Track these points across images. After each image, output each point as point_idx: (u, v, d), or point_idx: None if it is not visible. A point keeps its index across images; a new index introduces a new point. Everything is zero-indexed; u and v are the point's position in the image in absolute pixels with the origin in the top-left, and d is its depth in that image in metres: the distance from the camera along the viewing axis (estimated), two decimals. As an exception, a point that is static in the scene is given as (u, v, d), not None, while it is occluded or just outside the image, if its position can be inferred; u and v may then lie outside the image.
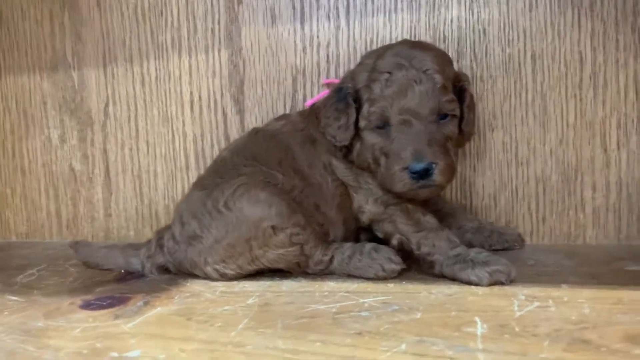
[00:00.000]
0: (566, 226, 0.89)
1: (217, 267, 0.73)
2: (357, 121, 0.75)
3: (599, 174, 0.87)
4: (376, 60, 0.73)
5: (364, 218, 0.77)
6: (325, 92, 0.89)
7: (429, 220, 0.73)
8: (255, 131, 0.83)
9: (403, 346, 0.52)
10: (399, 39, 0.91)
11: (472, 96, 0.77)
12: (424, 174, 0.69)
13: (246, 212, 0.71)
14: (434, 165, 0.69)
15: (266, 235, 0.71)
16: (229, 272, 0.74)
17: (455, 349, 0.51)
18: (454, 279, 0.70)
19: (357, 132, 0.75)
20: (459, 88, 0.75)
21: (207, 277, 0.75)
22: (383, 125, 0.72)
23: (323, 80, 0.93)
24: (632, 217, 0.87)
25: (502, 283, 0.67)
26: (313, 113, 0.81)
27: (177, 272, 0.78)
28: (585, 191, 0.88)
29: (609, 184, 0.87)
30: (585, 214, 0.88)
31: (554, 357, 0.48)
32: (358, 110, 0.74)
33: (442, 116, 0.72)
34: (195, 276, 0.76)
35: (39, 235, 1.10)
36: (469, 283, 0.68)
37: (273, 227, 0.71)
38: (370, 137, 0.74)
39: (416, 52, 0.72)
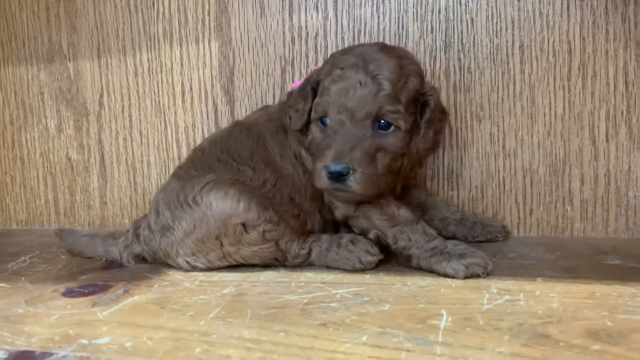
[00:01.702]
0: (554, 218, 0.88)
1: (188, 259, 0.74)
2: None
3: (587, 166, 0.86)
4: (341, 55, 0.73)
5: (338, 214, 0.76)
6: None
7: (404, 214, 0.73)
8: (235, 123, 0.83)
9: (364, 338, 0.53)
10: (387, 29, 0.91)
11: (436, 112, 0.73)
12: (338, 177, 0.67)
13: (214, 206, 0.71)
14: (350, 172, 0.66)
15: (237, 233, 0.72)
16: (199, 265, 0.75)
17: (415, 341, 0.51)
18: (431, 272, 0.70)
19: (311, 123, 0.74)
20: (422, 102, 0.72)
21: (179, 268, 0.76)
22: (326, 121, 0.71)
23: (315, 66, 0.93)
24: (620, 210, 0.86)
25: (478, 276, 0.68)
26: (287, 99, 0.81)
27: (152, 262, 0.79)
28: (573, 183, 0.87)
29: (597, 177, 0.86)
30: (573, 206, 0.88)
31: (511, 351, 0.49)
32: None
33: (383, 125, 0.69)
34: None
35: (37, 223, 1.12)
36: (445, 276, 0.68)
37: (244, 225, 0.71)
38: (315, 130, 0.73)
39: (379, 55, 0.70)
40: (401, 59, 0.72)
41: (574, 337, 0.51)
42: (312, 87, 0.74)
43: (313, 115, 0.73)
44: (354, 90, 0.68)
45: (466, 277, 0.67)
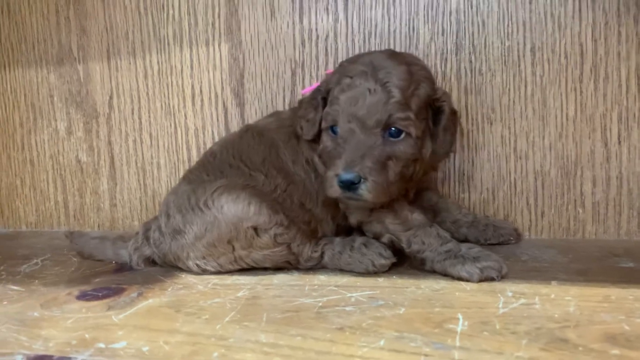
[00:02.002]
0: (565, 221, 0.88)
1: (198, 262, 0.75)
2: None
3: (599, 168, 0.86)
4: (349, 63, 0.73)
5: (352, 220, 0.76)
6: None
7: (417, 217, 0.73)
8: (246, 128, 0.83)
9: (382, 342, 0.52)
10: (398, 31, 0.90)
11: (451, 117, 0.73)
12: (350, 186, 0.67)
13: (225, 210, 0.71)
14: (362, 180, 0.66)
15: (248, 237, 0.72)
16: (210, 268, 0.75)
17: (433, 345, 0.51)
18: (445, 275, 0.70)
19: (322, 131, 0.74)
20: (436, 108, 0.72)
21: (189, 271, 0.76)
22: (336, 129, 0.71)
23: (327, 70, 0.93)
24: (633, 213, 0.86)
25: (493, 279, 0.67)
26: (299, 106, 0.80)
27: (162, 264, 0.79)
28: (584, 186, 0.87)
29: (609, 179, 0.86)
30: (584, 208, 0.87)
31: (529, 356, 0.49)
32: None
33: (394, 133, 0.69)
34: (189, 268, 0.78)
35: (47, 225, 1.12)
36: (459, 279, 0.68)
37: (255, 229, 0.71)
38: (325, 138, 0.73)
39: (388, 63, 0.70)
40: (410, 66, 0.71)
41: (592, 342, 0.50)
42: (323, 96, 0.74)
43: (323, 124, 0.73)
44: (363, 98, 0.68)
45: (480, 281, 0.67)
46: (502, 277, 0.68)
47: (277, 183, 0.76)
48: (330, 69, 0.93)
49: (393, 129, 0.69)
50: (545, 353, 0.49)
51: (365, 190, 0.67)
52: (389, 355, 0.50)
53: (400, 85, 0.69)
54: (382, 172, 0.68)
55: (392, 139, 0.69)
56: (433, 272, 0.71)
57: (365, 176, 0.66)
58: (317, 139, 0.75)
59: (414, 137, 0.70)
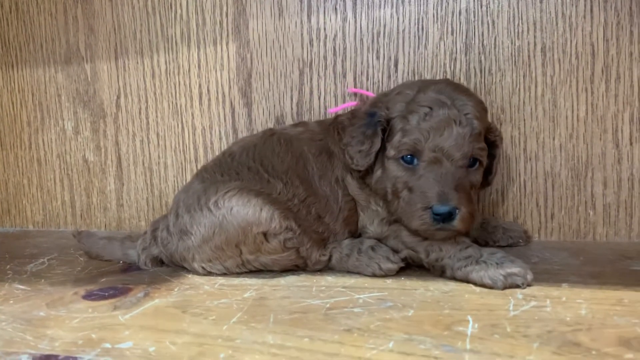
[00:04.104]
0: (575, 223, 0.87)
1: (204, 265, 0.74)
2: (380, 150, 0.73)
3: (610, 169, 0.85)
4: (417, 93, 0.71)
5: (369, 235, 0.76)
6: (350, 103, 0.88)
7: None
8: (271, 133, 0.82)
9: (390, 344, 0.52)
10: (407, 31, 0.90)
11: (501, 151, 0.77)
12: (446, 218, 0.66)
13: (234, 212, 0.70)
14: (457, 211, 0.66)
15: (257, 242, 0.71)
16: (215, 271, 0.74)
17: (443, 348, 0.51)
18: (467, 282, 0.68)
19: (377, 159, 0.74)
20: (491, 141, 0.74)
21: (195, 272, 0.76)
22: (411, 160, 0.70)
23: (349, 89, 0.92)
24: (644, 215, 0.85)
25: (518, 286, 0.65)
26: (334, 126, 0.79)
27: (169, 264, 0.79)
28: (595, 187, 0.86)
29: (620, 180, 0.85)
30: (595, 210, 0.86)
31: (541, 359, 0.48)
32: (384, 139, 0.73)
33: (472, 163, 0.70)
34: (196, 268, 0.77)
35: (54, 224, 1.12)
36: (482, 286, 0.66)
37: (264, 234, 0.71)
38: (395, 169, 0.71)
39: (458, 94, 0.70)
40: (475, 97, 0.73)
41: (606, 346, 0.50)
42: (383, 127, 0.72)
43: (394, 154, 0.71)
44: (449, 129, 0.68)
45: (505, 288, 0.65)
46: (528, 285, 0.65)
47: (296, 193, 0.75)
48: (352, 87, 0.92)
49: (472, 159, 0.70)
50: (557, 357, 0.48)
51: (459, 221, 0.67)
52: (398, 357, 0.49)
53: (477, 116, 0.70)
54: (470, 202, 0.69)
55: (470, 168, 0.70)
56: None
57: (460, 207, 0.66)
58: (370, 169, 0.75)
59: (484, 166, 0.72)
